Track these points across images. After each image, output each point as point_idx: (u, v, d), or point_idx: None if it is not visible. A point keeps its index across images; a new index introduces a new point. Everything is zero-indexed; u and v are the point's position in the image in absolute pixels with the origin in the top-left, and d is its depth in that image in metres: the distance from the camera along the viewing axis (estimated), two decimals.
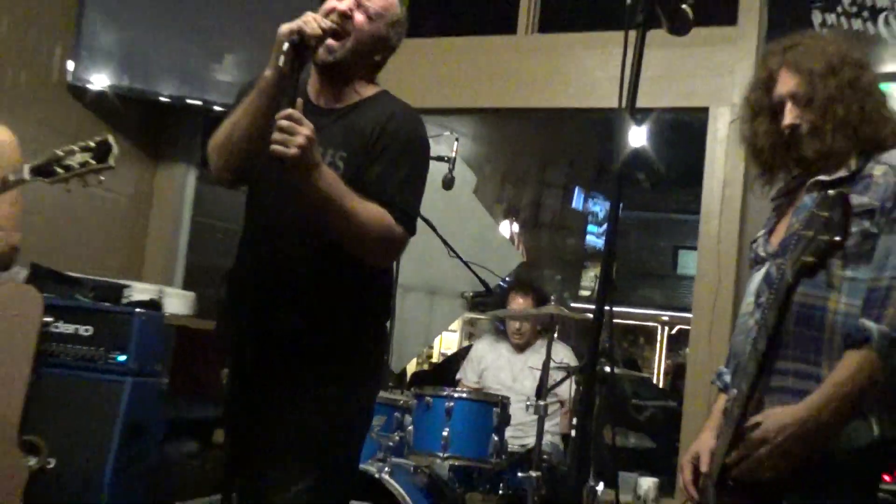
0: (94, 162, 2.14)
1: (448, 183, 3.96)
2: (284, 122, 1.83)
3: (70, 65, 4.69)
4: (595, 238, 9.19)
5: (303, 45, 1.91)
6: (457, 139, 4.11)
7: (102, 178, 2.23)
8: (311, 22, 1.93)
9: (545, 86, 4.69)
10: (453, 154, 3.95)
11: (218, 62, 4.89)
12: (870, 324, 1.71)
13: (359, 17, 2.09)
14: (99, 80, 4.74)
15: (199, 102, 4.90)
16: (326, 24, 1.99)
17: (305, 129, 1.84)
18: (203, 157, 5.30)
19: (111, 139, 2.14)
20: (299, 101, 1.92)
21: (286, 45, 1.89)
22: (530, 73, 4.72)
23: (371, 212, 1.99)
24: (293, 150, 1.82)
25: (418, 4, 2.27)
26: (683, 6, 1.70)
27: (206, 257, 5.53)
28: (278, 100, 1.92)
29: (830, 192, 1.66)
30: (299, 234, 2.05)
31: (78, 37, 4.70)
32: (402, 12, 2.19)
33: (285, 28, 1.91)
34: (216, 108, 4.80)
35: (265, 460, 2.09)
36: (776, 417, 1.73)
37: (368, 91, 2.19)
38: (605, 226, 8.56)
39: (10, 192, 2.38)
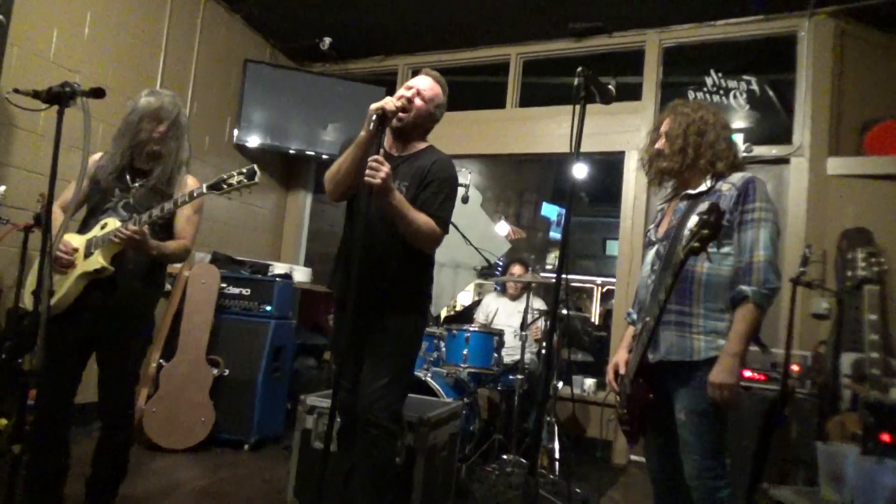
0: (246, 181, 2.12)
1: (465, 200, 3.95)
2: (373, 163, 1.86)
3: (235, 132, 4.73)
4: (555, 233, 9.14)
5: (384, 116, 1.93)
6: (470, 173, 4.10)
7: (250, 191, 2.14)
8: (389, 103, 1.95)
9: (523, 139, 4.66)
10: (468, 182, 3.95)
11: (324, 129, 4.90)
12: (745, 287, 1.73)
13: (418, 101, 2.11)
14: (253, 141, 4.77)
15: (313, 153, 4.92)
16: (398, 104, 2.02)
17: (385, 167, 1.86)
18: (316, 186, 5.39)
19: (255, 166, 2.08)
20: (382, 150, 1.93)
21: (374, 117, 1.90)
22: (514, 132, 4.69)
23: (423, 219, 2.00)
24: (378, 180, 1.85)
25: (452, 93, 2.28)
26: (609, 87, 1.71)
27: (318, 247, 5.53)
28: (368, 149, 1.93)
29: (710, 202, 1.65)
30: (380, 232, 2.05)
31: (240, 114, 4.73)
32: (443, 98, 2.20)
33: (374, 106, 1.92)
34: (324, 157, 4.85)
35: (359, 367, 2.10)
36: (716, 372, 1.71)
37: (422, 145, 2.19)
38: (561, 225, 8.53)
39: (188, 213, 2.27)
